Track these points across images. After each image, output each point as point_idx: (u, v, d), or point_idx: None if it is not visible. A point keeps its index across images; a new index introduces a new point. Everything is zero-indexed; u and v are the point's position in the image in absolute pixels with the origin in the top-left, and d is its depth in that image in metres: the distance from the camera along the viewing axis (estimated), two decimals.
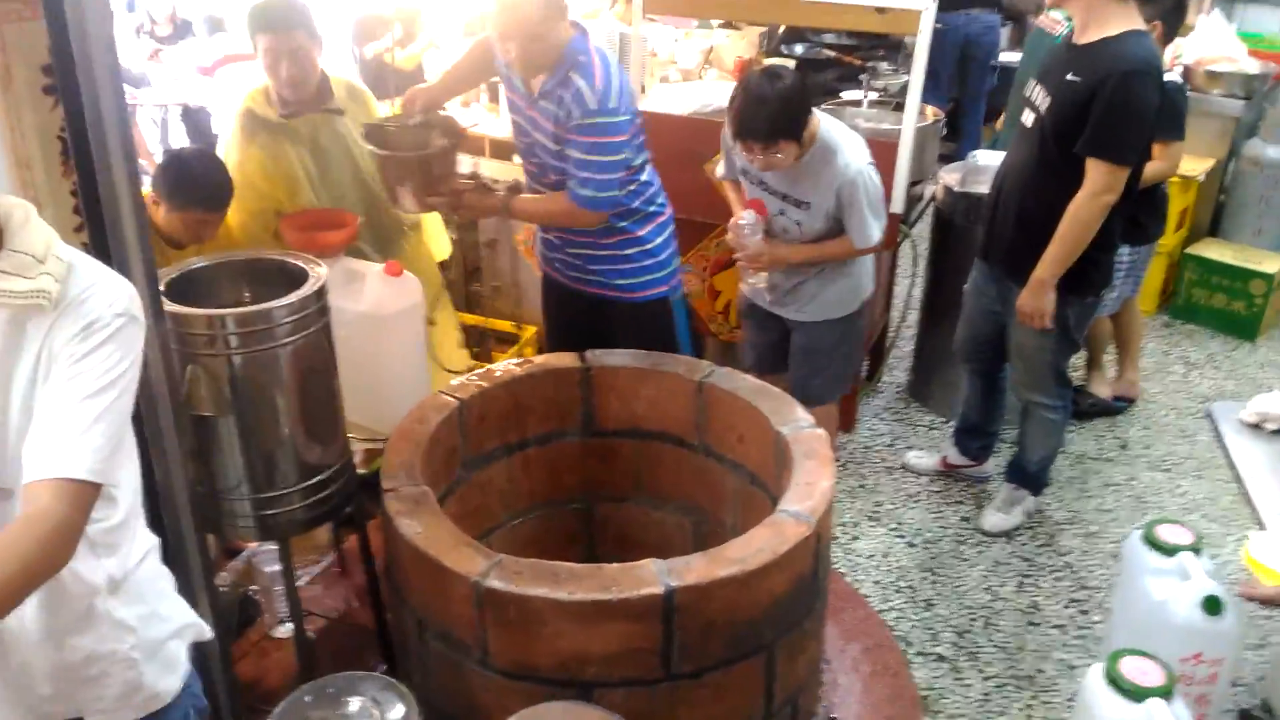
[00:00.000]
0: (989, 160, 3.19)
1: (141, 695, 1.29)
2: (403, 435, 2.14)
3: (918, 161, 3.17)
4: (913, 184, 3.30)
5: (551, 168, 2.54)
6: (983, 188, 3.01)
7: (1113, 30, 2.41)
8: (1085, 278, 2.60)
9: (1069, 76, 2.44)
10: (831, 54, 5.07)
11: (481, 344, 3.91)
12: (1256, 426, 2.12)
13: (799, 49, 5.34)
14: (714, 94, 3.89)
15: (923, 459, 3.27)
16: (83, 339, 1.09)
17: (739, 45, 5.00)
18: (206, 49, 5.83)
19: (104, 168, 1.35)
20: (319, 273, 1.94)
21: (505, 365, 2.43)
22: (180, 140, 6.65)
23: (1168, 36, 3.14)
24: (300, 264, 1.96)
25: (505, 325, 3.82)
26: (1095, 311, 2.79)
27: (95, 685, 1.24)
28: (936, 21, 5.83)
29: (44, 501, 1.03)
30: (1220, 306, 4.33)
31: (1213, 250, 4.43)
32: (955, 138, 6.12)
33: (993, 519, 2.98)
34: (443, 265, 3.25)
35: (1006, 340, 2.83)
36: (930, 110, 3.45)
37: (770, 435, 2.23)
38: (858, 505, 3.10)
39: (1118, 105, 2.37)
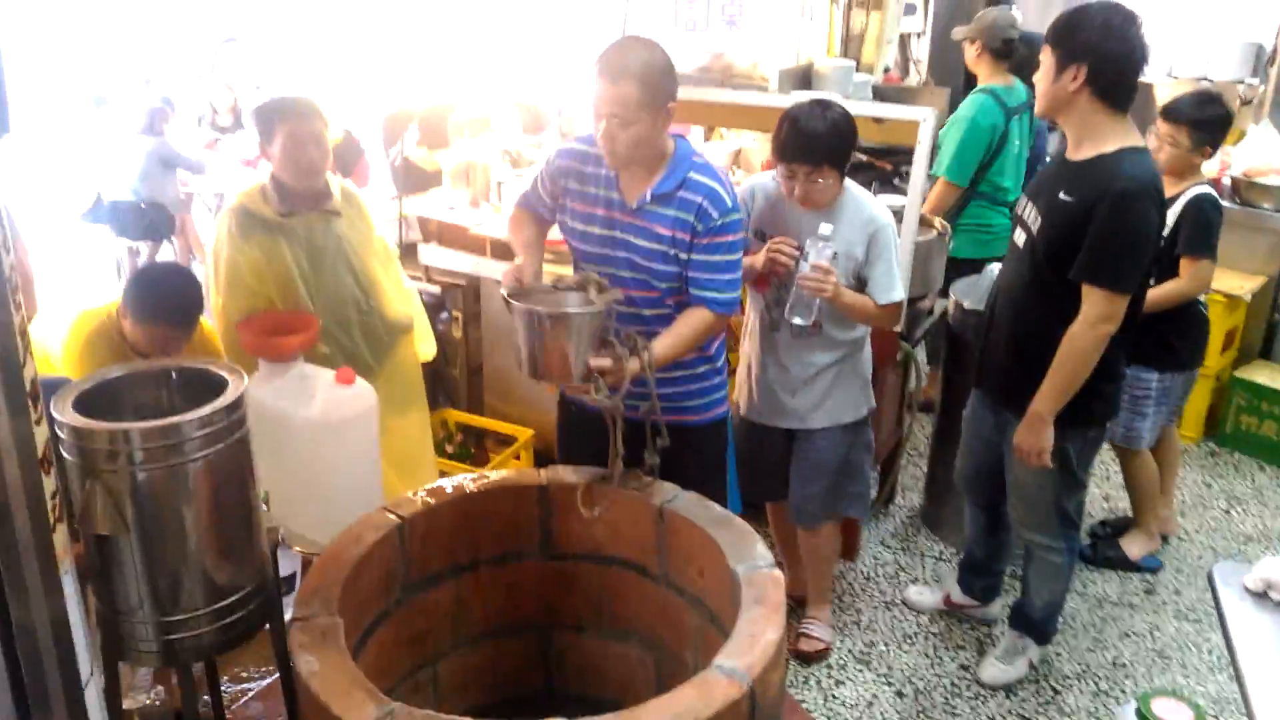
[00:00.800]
0: None
1: None
2: (331, 558, 2.03)
3: (921, 275, 3.02)
4: (916, 299, 3.14)
5: (660, 275, 2.35)
6: None
7: (1109, 147, 2.26)
8: (1086, 409, 2.41)
9: (1061, 195, 2.30)
10: (863, 157, 4.97)
11: (479, 444, 3.83)
12: (1263, 595, 1.89)
13: None
14: None
15: (924, 595, 3.05)
16: None
17: (767, 149, 4.94)
18: (253, 141, 6.03)
19: None
20: (238, 383, 1.86)
21: (457, 480, 2.32)
22: None
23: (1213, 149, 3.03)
24: (222, 373, 1.89)
25: (503, 426, 3.74)
26: (1099, 444, 2.59)
27: None
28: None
29: None
30: (1271, 436, 4.04)
31: (1263, 374, 4.16)
32: None
33: (991, 670, 2.73)
34: (427, 365, 3.19)
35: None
36: (939, 222, 3.31)
37: (727, 572, 2.07)
38: (848, 645, 2.88)
39: (1114, 228, 2.21)
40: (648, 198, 2.29)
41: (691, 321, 2.33)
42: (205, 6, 13.22)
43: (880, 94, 5.38)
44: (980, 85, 3.97)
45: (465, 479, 2.33)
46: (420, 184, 4.21)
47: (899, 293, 2.55)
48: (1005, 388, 2.50)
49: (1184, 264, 2.97)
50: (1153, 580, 3.22)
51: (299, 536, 2.44)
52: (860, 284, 2.56)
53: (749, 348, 2.79)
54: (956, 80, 5.53)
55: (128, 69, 7.17)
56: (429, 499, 2.23)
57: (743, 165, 5.04)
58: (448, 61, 5.80)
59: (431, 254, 3.76)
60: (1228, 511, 3.65)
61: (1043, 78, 2.30)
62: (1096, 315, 2.26)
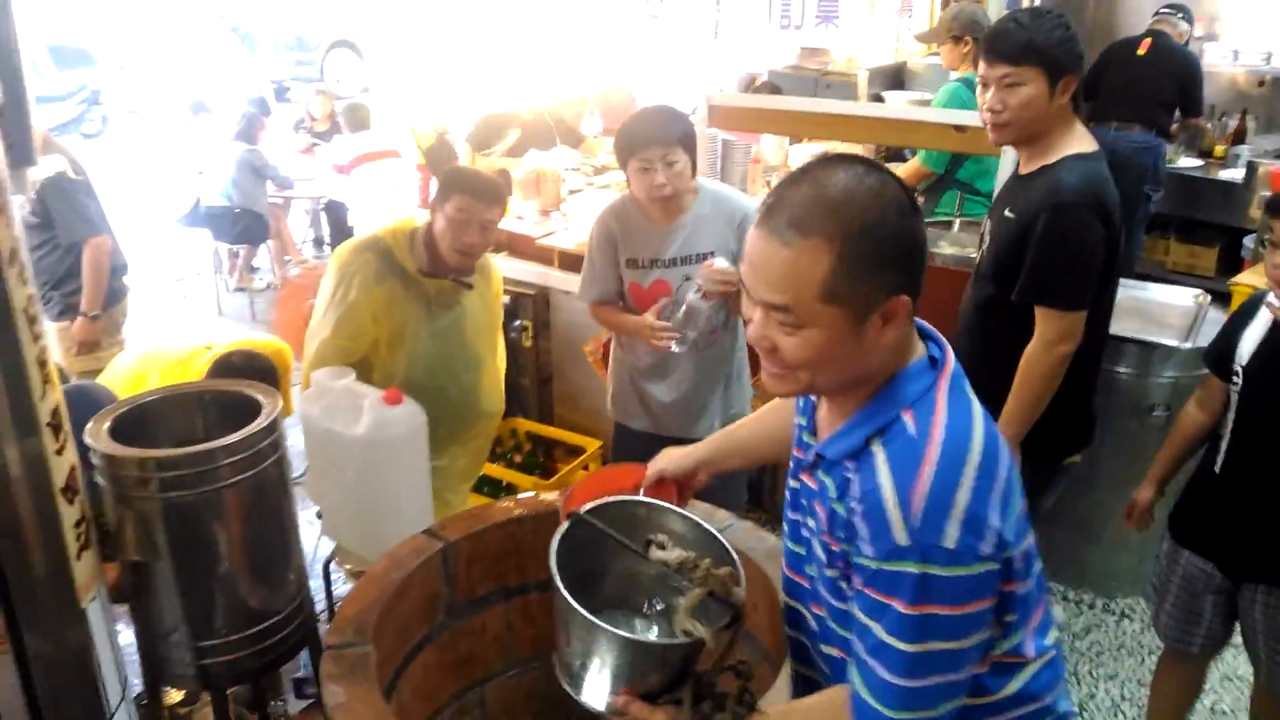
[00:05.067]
0: None
1: None
2: (370, 581, 1.98)
3: None
4: None
5: (823, 595, 1.31)
6: None
7: (1053, 157, 2.16)
8: (1047, 438, 2.29)
9: (1006, 213, 2.23)
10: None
11: (548, 455, 3.77)
12: None
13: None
14: None
15: None
16: None
17: (853, 150, 4.75)
18: (346, 146, 6.11)
19: None
20: (271, 407, 1.83)
21: (502, 503, 2.26)
22: (324, 230, 7.02)
23: None
24: (258, 396, 1.87)
25: (572, 437, 3.68)
26: (1056, 486, 2.44)
27: None
28: None
29: None
30: None
31: None
32: None
33: None
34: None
35: None
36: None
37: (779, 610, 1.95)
38: None
39: (1052, 244, 2.12)
40: (824, 450, 1.24)
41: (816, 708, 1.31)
42: (311, 12, 13.63)
43: None
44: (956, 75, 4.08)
45: (510, 502, 2.27)
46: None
47: None
48: None
49: None
50: None
51: (351, 554, 2.42)
52: None
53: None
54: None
55: (228, 76, 7.40)
56: (474, 522, 2.17)
57: None
58: (531, 67, 5.78)
59: (501, 264, 3.73)
60: None
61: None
62: (1051, 335, 2.15)
